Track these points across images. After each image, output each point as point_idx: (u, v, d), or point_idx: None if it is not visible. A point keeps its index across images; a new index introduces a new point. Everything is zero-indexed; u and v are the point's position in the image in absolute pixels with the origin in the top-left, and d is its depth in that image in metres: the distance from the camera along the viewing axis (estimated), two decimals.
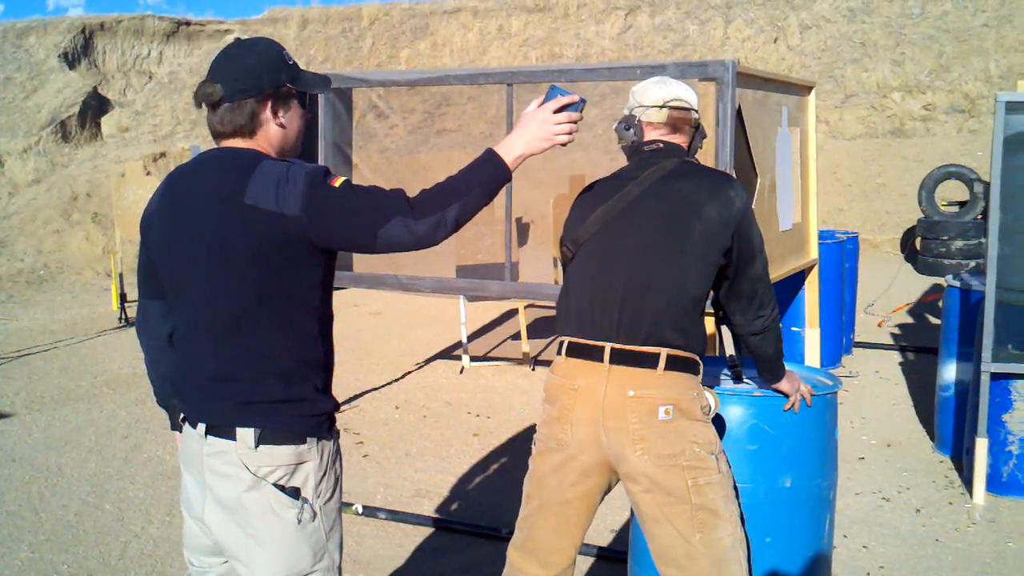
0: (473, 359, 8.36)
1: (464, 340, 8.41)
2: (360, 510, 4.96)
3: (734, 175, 5.57)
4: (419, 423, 6.68)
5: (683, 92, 3.06)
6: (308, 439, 2.42)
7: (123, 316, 10.64)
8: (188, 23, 25.77)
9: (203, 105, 2.45)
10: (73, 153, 20.50)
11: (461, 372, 8.04)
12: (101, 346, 9.45)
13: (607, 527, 4.80)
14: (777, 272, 6.60)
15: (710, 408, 2.88)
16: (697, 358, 2.86)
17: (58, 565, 4.48)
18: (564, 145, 2.54)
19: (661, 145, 3.03)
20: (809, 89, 7.34)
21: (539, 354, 8.61)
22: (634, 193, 2.94)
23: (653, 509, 2.79)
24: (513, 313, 9.77)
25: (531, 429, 6.37)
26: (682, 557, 2.77)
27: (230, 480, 2.39)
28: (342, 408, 6.96)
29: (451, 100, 21.23)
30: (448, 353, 8.78)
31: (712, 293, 2.97)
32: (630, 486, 2.82)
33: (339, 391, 7.04)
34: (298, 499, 2.39)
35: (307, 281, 2.43)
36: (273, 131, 2.48)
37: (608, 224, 2.94)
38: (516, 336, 8.59)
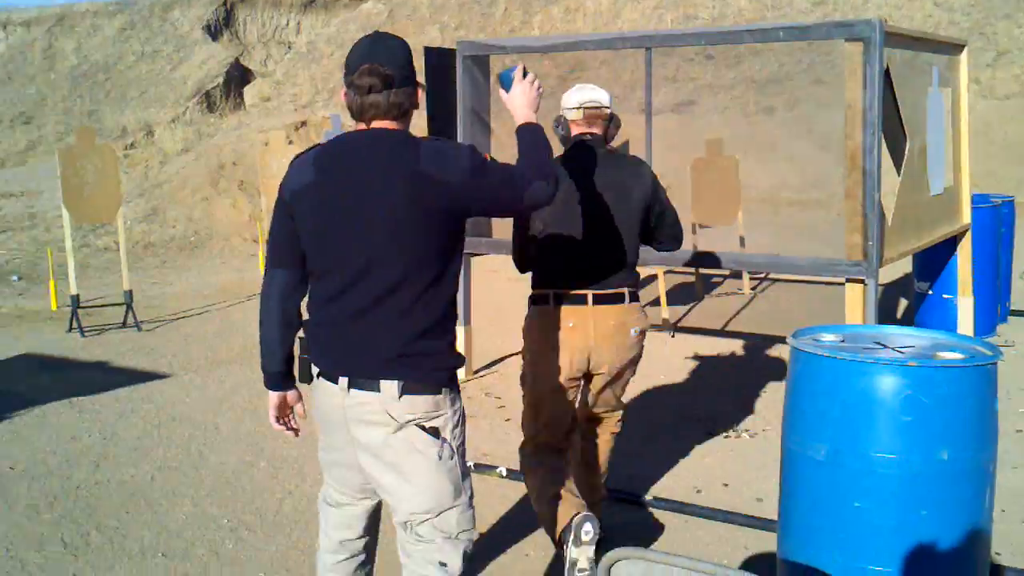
0: None
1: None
2: (504, 473, 5.04)
3: (882, 138, 5.44)
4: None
5: (594, 94, 3.95)
6: (443, 389, 2.74)
7: None
8: None
9: (369, 87, 2.70)
10: (218, 123, 21.15)
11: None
12: (251, 310, 9.74)
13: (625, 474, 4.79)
14: (927, 238, 6.42)
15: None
16: (638, 291, 4.02)
17: (219, 519, 4.69)
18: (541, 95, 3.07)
19: (587, 137, 3.93)
20: (960, 48, 7.08)
21: (679, 320, 8.57)
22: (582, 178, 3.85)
23: (603, 385, 4.02)
24: (651, 279, 9.73)
25: (667, 397, 6.39)
26: (615, 401, 4.15)
27: (375, 427, 2.70)
28: (481, 373, 7.08)
29: (585, 65, 21.12)
30: None
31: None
32: (596, 378, 3.99)
33: (480, 356, 7.19)
34: (438, 438, 2.71)
35: (455, 246, 2.77)
36: (412, 114, 2.81)
37: (567, 204, 3.77)
38: (655, 302, 8.55)
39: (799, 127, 18.00)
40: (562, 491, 3.83)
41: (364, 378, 2.69)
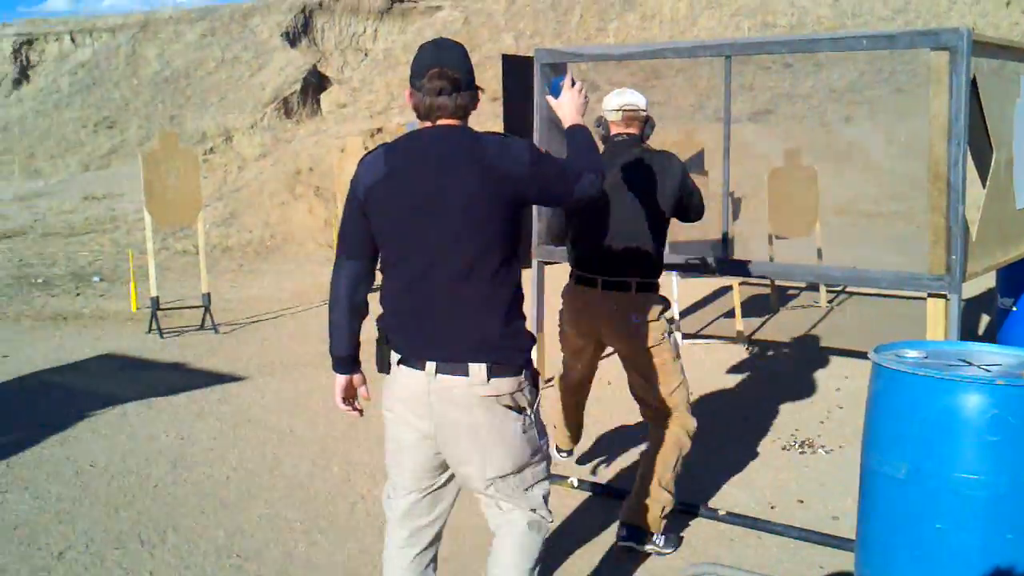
0: (685, 336, 8.30)
1: (676, 316, 8.35)
2: (576, 483, 5.02)
3: (967, 149, 5.30)
4: (630, 399, 6.68)
5: (632, 99, 4.38)
6: (523, 370, 2.97)
7: None
8: (402, 0, 26.43)
9: (439, 89, 2.92)
10: (295, 129, 21.43)
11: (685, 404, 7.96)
12: (325, 315, 9.84)
13: (698, 487, 4.70)
14: (1013, 252, 6.25)
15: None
16: (656, 282, 4.38)
17: (292, 522, 4.74)
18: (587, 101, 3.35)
19: (624, 136, 4.37)
20: None
21: (753, 333, 8.47)
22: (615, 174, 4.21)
23: (626, 368, 4.46)
24: (726, 291, 9.63)
25: (740, 409, 6.30)
26: (651, 396, 4.40)
27: (463, 408, 2.90)
28: (552, 381, 7.04)
29: (660, 73, 21.02)
30: None
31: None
32: (622, 361, 4.47)
33: (553, 364, 7.15)
34: (520, 412, 2.97)
35: (516, 233, 2.98)
36: (471, 114, 3.03)
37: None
38: (729, 314, 8.46)
39: (878, 137, 17.72)
40: (555, 422, 4.93)
41: (452, 362, 2.89)
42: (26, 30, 25.89)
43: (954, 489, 2.98)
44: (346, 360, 3.14)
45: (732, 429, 5.95)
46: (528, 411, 3.00)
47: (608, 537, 4.45)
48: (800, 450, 5.61)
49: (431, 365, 2.90)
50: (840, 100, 19.60)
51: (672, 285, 8.41)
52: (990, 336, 7.89)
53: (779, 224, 9.27)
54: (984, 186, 5.84)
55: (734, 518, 4.59)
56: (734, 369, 7.40)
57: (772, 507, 4.79)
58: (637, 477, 4.36)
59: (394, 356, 3.02)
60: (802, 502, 4.87)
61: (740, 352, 7.90)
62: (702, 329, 8.76)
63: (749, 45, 6.20)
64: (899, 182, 16.22)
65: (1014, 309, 7.43)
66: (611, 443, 5.78)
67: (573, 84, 3.31)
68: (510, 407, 2.94)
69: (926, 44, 5.30)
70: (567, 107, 3.28)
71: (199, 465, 5.52)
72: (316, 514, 4.83)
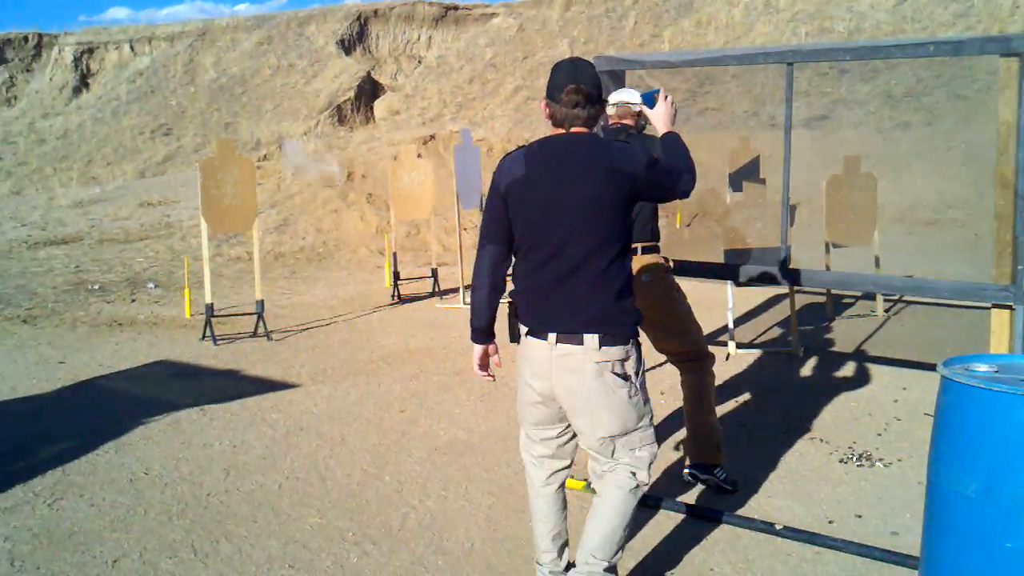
0: (739, 346, 8.18)
1: (731, 326, 8.25)
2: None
3: None
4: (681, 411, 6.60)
5: (625, 96, 4.99)
6: (631, 340, 3.45)
7: (396, 293, 11.10)
8: (456, 7, 26.55)
9: (575, 103, 3.41)
10: (348, 135, 21.56)
11: (727, 359, 7.88)
12: (377, 322, 9.90)
13: (755, 502, 4.58)
14: None
15: None
16: (657, 245, 5.03)
17: (344, 532, 4.71)
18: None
19: (617, 125, 4.98)
20: None
21: (809, 343, 8.33)
22: None
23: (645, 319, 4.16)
24: (779, 299, 9.51)
25: (795, 421, 6.19)
26: (675, 342, 5.09)
27: (578, 372, 3.38)
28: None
29: (714, 79, 20.86)
30: (713, 339, 8.61)
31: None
32: None
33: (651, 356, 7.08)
34: (627, 381, 3.43)
35: (628, 224, 3.45)
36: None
37: None
38: (784, 323, 8.33)
39: (936, 143, 17.44)
40: None
41: (570, 333, 3.37)
42: (87, 39, 26.34)
43: None
44: (484, 330, 3.61)
45: (789, 441, 5.83)
46: (634, 379, 3.45)
47: (639, 542, 4.40)
48: (858, 463, 5.48)
49: (552, 336, 3.40)
50: (897, 106, 19.33)
51: (728, 294, 8.31)
52: None
53: (836, 232, 9.12)
54: None
55: (792, 532, 4.49)
56: (790, 380, 7.28)
57: (830, 522, 4.68)
58: (687, 421, 5.10)
59: (523, 328, 3.51)
60: (860, 517, 4.75)
61: (796, 362, 7.77)
62: (756, 338, 8.64)
63: (812, 52, 6.09)
64: (956, 189, 15.95)
65: None
66: None
67: (666, 97, 3.87)
68: (618, 375, 3.39)
69: (995, 50, 5.18)
70: (663, 116, 3.85)
71: (252, 473, 5.52)
72: (368, 524, 4.79)
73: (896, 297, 10.02)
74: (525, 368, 3.54)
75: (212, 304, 9.04)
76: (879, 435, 5.96)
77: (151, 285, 12.17)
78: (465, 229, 12.62)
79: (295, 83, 24.43)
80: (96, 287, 11.95)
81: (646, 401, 3.55)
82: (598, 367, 3.37)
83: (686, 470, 5.15)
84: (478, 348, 3.67)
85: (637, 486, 3.55)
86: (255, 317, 9.27)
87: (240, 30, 26.08)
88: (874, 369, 7.51)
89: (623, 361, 3.42)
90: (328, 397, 7.06)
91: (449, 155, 18.38)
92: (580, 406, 3.44)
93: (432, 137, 19.49)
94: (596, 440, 3.49)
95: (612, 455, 3.52)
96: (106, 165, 21.94)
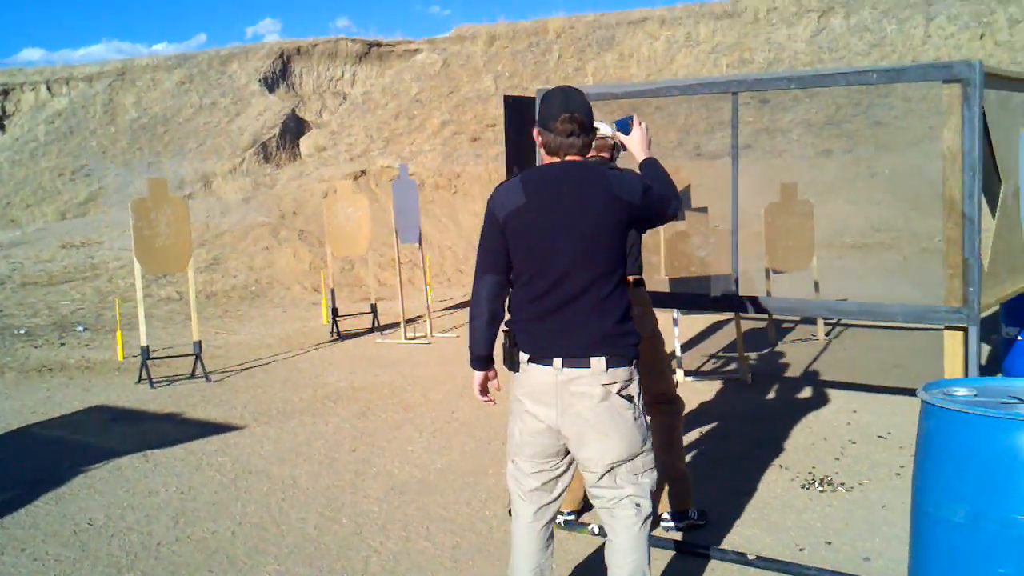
0: (687, 373, 8.18)
1: (678, 353, 8.24)
2: (596, 530, 4.86)
3: (981, 180, 5.24)
4: None
5: (602, 129, 4.53)
6: (633, 361, 3.48)
7: (335, 330, 10.93)
8: (379, 44, 26.45)
9: (570, 132, 3.43)
10: (275, 173, 21.30)
11: (675, 385, 7.83)
12: (318, 359, 9.72)
13: (724, 533, 4.56)
14: (1022, 283, 6.18)
15: None
16: (641, 277, 4.87)
17: None
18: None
19: (596, 157, 4.56)
20: None
21: (754, 368, 8.36)
22: None
23: None
24: (721, 325, 9.55)
25: (752, 448, 6.17)
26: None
27: (586, 396, 3.39)
28: None
29: (638, 110, 21.05)
30: None
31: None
32: None
33: None
34: (632, 402, 3.46)
35: (625, 251, 3.51)
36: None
37: None
38: (729, 348, 8.36)
39: (860, 169, 17.76)
40: None
41: (576, 357, 3.38)
42: (1, 81, 25.72)
43: (1017, 533, 2.86)
44: (484, 358, 3.64)
45: (750, 469, 5.81)
46: (636, 401, 3.48)
47: None
48: (820, 488, 5.48)
49: (558, 361, 3.39)
50: (819, 134, 19.66)
51: (672, 322, 8.31)
52: (994, 366, 7.82)
53: (776, 258, 9.21)
54: (994, 217, 5.79)
55: (766, 562, 4.45)
56: (741, 406, 7.28)
57: (801, 549, 4.66)
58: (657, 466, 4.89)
59: (523, 356, 3.48)
60: (830, 543, 4.73)
61: (746, 388, 7.79)
62: (702, 365, 8.65)
63: (758, 81, 6.14)
64: (882, 213, 16.25)
65: (1019, 339, 7.37)
66: None
67: (640, 123, 3.85)
68: (623, 396, 3.41)
69: (938, 77, 5.25)
70: (638, 143, 3.82)
71: (202, 520, 5.33)
72: (328, 570, 4.64)
73: (835, 321, 10.14)
74: (525, 397, 3.51)
75: (148, 346, 8.80)
76: (837, 459, 5.97)
77: (80, 328, 11.82)
78: (403, 264, 12.48)
79: (218, 121, 24.10)
80: (22, 331, 11.58)
81: (648, 424, 3.60)
82: (605, 389, 3.39)
83: (662, 523, 4.87)
84: (478, 375, 3.70)
85: (645, 519, 3.53)
86: (192, 358, 9.04)
87: (160, 69, 25.68)
88: (823, 393, 7.55)
89: (628, 383, 3.45)
90: (275, 438, 6.88)
91: (381, 190, 18.26)
92: (588, 433, 3.41)
93: (363, 172, 19.36)
94: (603, 467, 3.45)
95: (616, 482, 3.49)
96: (25, 207, 21.38)
